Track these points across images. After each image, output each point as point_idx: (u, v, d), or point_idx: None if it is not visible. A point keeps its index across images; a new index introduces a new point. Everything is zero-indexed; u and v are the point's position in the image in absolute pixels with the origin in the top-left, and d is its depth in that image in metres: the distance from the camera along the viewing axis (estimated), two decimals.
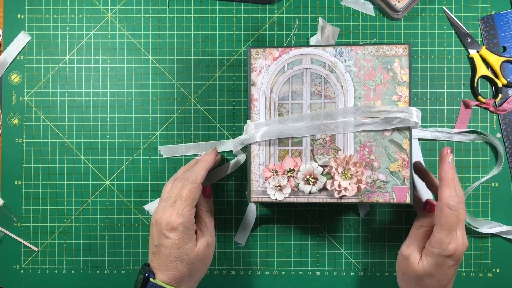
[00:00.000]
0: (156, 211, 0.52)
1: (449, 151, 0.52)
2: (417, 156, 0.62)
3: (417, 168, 0.58)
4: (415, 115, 0.53)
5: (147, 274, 0.50)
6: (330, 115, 0.54)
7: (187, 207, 0.51)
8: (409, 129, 0.54)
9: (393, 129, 0.54)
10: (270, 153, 0.55)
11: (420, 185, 0.59)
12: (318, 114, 0.54)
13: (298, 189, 0.55)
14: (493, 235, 0.62)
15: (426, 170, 0.57)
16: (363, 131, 0.54)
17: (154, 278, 0.50)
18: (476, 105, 0.62)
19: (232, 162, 0.63)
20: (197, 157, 0.60)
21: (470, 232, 0.62)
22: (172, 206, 0.51)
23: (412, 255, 0.52)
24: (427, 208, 0.54)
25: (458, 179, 0.53)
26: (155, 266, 0.51)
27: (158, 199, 0.63)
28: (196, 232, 0.53)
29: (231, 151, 0.63)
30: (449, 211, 0.49)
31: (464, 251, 0.50)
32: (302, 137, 0.55)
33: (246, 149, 0.57)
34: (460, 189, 0.52)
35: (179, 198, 0.51)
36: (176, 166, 0.64)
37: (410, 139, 0.54)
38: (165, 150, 0.64)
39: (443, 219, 0.49)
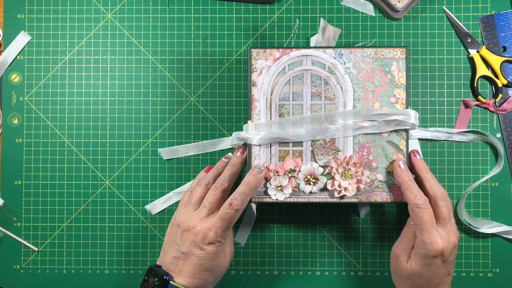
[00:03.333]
0: (188, 216, 0.52)
1: (399, 156, 0.55)
2: None
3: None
4: (413, 117, 0.54)
5: (166, 277, 0.49)
6: (330, 117, 0.55)
7: (227, 229, 0.51)
8: (406, 130, 0.55)
9: (391, 131, 0.55)
10: (271, 153, 0.55)
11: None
12: (318, 116, 0.55)
13: (299, 189, 0.55)
14: (493, 235, 0.62)
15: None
16: (362, 134, 0.55)
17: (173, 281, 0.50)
18: (476, 105, 0.62)
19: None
20: (223, 158, 0.60)
21: (470, 232, 0.62)
22: (211, 219, 0.51)
23: (402, 254, 0.53)
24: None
25: (431, 175, 0.54)
26: (174, 269, 0.50)
27: (160, 199, 0.63)
28: None
29: (230, 148, 0.63)
30: (419, 210, 0.50)
31: (453, 248, 0.50)
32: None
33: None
34: (437, 185, 0.53)
35: (220, 219, 0.50)
36: (177, 166, 0.64)
37: (407, 140, 0.55)
38: (165, 153, 0.63)
39: (416, 219, 0.50)
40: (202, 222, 0.51)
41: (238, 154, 0.56)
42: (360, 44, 0.63)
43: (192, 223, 0.51)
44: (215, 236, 0.50)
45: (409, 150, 0.56)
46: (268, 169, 0.55)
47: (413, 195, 0.51)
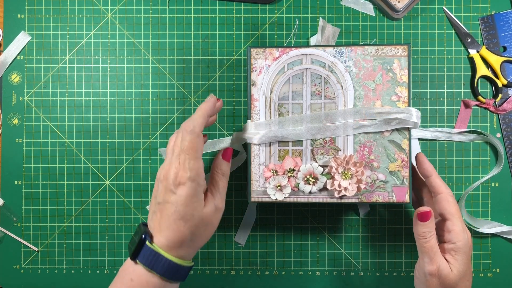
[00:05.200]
0: (162, 166, 0.49)
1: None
2: None
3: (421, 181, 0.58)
4: (414, 115, 0.53)
5: (143, 236, 0.46)
6: (330, 116, 0.54)
7: (192, 160, 0.47)
8: (408, 129, 0.54)
9: (393, 130, 0.54)
10: (270, 153, 0.55)
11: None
12: (318, 115, 0.54)
13: (298, 189, 0.55)
14: (493, 235, 0.62)
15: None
16: (363, 133, 0.55)
17: (151, 241, 0.46)
18: (476, 105, 0.62)
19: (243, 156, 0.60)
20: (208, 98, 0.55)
21: (470, 232, 0.62)
22: (178, 160, 0.47)
23: (442, 267, 0.49)
24: (424, 217, 0.51)
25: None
26: (154, 226, 0.47)
27: None
28: (206, 194, 0.49)
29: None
30: (453, 199, 0.51)
31: None
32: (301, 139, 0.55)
33: (246, 147, 0.57)
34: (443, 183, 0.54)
35: (182, 151, 0.47)
36: None
37: (409, 139, 0.54)
38: (165, 153, 0.63)
39: (450, 208, 0.50)
40: (171, 164, 0.48)
41: (209, 98, 0.53)
42: (360, 43, 0.63)
43: (165, 170, 0.48)
44: (184, 172, 0.46)
45: (417, 153, 0.56)
46: (268, 169, 0.55)
47: (444, 184, 0.51)
